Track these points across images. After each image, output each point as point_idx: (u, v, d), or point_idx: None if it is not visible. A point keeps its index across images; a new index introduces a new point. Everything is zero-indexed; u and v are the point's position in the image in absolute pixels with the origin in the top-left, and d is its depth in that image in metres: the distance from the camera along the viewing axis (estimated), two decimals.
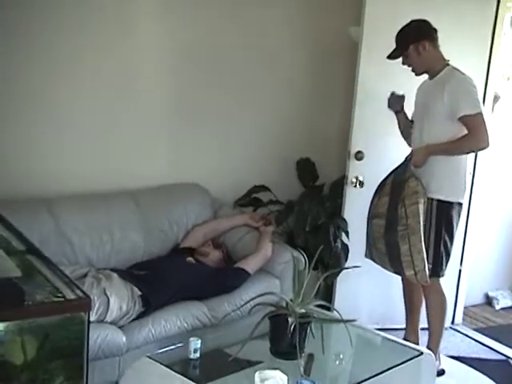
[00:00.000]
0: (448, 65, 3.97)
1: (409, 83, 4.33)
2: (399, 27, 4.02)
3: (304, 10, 4.93)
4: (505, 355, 4.70)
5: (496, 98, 5.25)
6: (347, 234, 4.64)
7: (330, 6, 4.99)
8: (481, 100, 3.90)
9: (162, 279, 3.79)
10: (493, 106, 5.11)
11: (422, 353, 3.31)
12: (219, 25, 4.59)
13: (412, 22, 4.00)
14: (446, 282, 4.35)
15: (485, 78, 4.74)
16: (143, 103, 4.40)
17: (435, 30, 3.98)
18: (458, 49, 4.43)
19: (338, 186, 4.79)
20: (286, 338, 2.98)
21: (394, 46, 4.09)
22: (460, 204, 4.02)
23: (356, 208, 4.62)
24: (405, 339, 4.11)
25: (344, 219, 4.65)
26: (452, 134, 3.87)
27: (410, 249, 3.91)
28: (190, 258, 4.18)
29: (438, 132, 3.94)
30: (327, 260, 4.46)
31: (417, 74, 4.07)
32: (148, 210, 4.29)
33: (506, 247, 5.79)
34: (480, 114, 3.81)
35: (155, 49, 4.38)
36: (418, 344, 4.11)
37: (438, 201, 3.95)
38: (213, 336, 3.68)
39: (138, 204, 4.27)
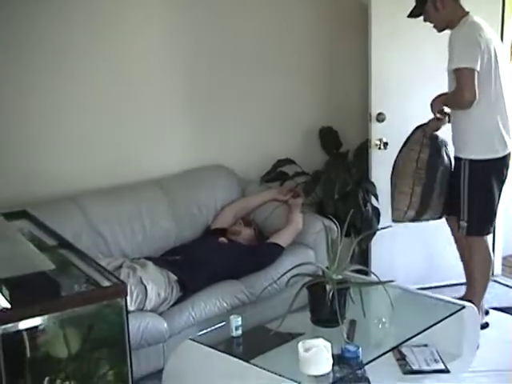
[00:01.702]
0: (464, 17, 3.85)
1: (421, 39, 4.30)
2: None
3: None
4: None
5: None
6: (376, 196, 4.62)
7: None
8: (476, 54, 3.73)
9: (197, 262, 3.81)
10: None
11: (464, 306, 3.29)
12: (232, 9, 4.59)
13: None
14: None
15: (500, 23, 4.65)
16: (160, 90, 4.39)
17: None
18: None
19: (363, 151, 4.76)
20: (325, 305, 2.98)
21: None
22: (498, 159, 3.91)
23: (383, 170, 4.57)
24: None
25: (372, 182, 4.63)
26: None
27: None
28: (222, 239, 4.18)
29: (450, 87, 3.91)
30: (359, 225, 4.45)
31: (438, 31, 3.98)
32: (175, 195, 4.30)
33: None
34: (465, 69, 3.71)
35: (170, 34, 4.37)
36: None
37: (470, 160, 3.90)
38: (253, 312, 3.70)
39: (165, 191, 4.28)
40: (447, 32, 3.92)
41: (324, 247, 3.21)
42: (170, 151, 4.50)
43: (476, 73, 3.71)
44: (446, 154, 4.04)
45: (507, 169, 4.01)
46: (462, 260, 4.27)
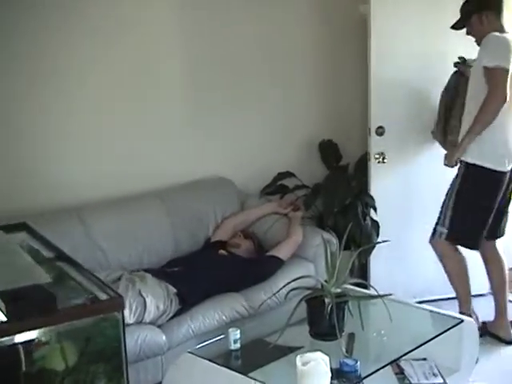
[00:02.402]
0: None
1: (421, 52, 4.32)
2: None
3: None
4: None
5: None
6: (375, 209, 4.62)
7: None
8: (508, 57, 3.75)
9: (196, 274, 3.81)
10: None
11: (462, 320, 3.29)
12: (231, 16, 4.61)
13: None
14: None
15: None
16: (161, 101, 4.40)
17: (501, 1, 3.97)
18: None
19: (363, 164, 4.77)
20: (324, 319, 2.98)
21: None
22: (498, 172, 3.91)
23: (382, 183, 4.61)
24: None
25: (371, 196, 4.63)
26: (478, 92, 3.84)
27: None
28: (222, 251, 4.18)
29: (472, 102, 3.91)
30: (358, 238, 4.45)
31: (478, 44, 3.98)
32: (175, 208, 4.30)
33: None
34: (499, 69, 3.72)
35: (168, 46, 4.38)
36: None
37: (466, 163, 3.92)
38: (252, 326, 3.69)
39: (164, 203, 4.27)
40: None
41: (324, 260, 3.20)
42: (171, 163, 4.50)
43: (507, 72, 3.73)
44: None
45: (506, 186, 4.01)
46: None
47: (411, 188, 4.68)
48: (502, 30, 3.92)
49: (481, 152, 3.88)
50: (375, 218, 4.65)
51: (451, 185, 4.05)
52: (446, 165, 3.99)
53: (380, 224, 4.62)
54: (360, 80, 4.87)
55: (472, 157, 3.90)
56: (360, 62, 4.82)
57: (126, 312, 3.35)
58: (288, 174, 4.79)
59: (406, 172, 4.63)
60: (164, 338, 3.45)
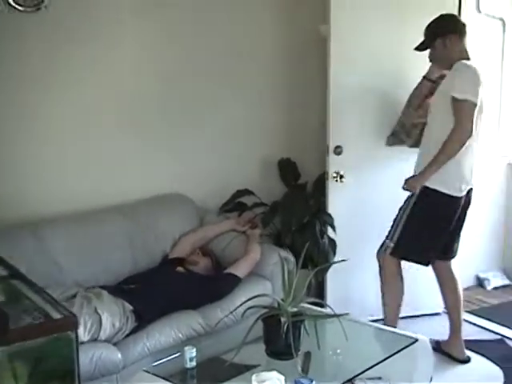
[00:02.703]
0: (464, 59, 3.96)
1: (379, 74, 4.38)
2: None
3: (276, 11, 4.99)
4: (500, 334, 4.72)
5: None
6: (333, 228, 4.65)
7: (300, 6, 5.05)
8: (477, 89, 3.80)
9: (153, 292, 3.78)
10: None
11: (416, 340, 3.32)
12: (193, 29, 4.61)
13: (441, 15, 4.06)
14: None
15: None
16: (119, 117, 4.39)
17: (464, 25, 4.04)
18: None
19: (321, 183, 4.80)
20: (280, 338, 2.97)
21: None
22: (452, 196, 3.98)
23: (340, 202, 4.65)
24: None
25: (329, 214, 4.66)
26: (442, 119, 3.90)
27: None
28: (179, 268, 4.17)
29: (436, 125, 3.99)
30: (316, 257, 4.47)
31: (443, 68, 4.07)
32: (133, 224, 4.28)
33: (493, 228, 5.81)
34: (469, 102, 3.77)
35: (133, 60, 4.39)
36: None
37: (424, 187, 3.97)
38: (208, 344, 3.67)
39: (122, 219, 4.25)
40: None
41: (281, 278, 3.21)
42: (130, 179, 4.48)
43: (474, 105, 3.80)
44: None
45: (461, 210, 4.08)
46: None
47: (368, 207, 4.72)
48: (466, 54, 3.98)
49: (437, 177, 3.93)
50: (332, 236, 4.67)
51: (405, 201, 4.10)
52: (406, 189, 4.03)
53: (337, 243, 4.64)
54: (319, 99, 4.90)
55: (429, 181, 3.96)
56: (319, 82, 4.85)
57: (81, 329, 3.32)
58: (247, 192, 4.80)
59: (363, 191, 4.68)
60: (119, 355, 3.42)
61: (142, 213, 4.37)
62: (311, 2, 5.03)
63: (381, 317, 4.50)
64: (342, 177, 4.62)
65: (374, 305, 4.50)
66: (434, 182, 3.94)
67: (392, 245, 4.10)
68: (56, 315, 1.85)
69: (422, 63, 4.21)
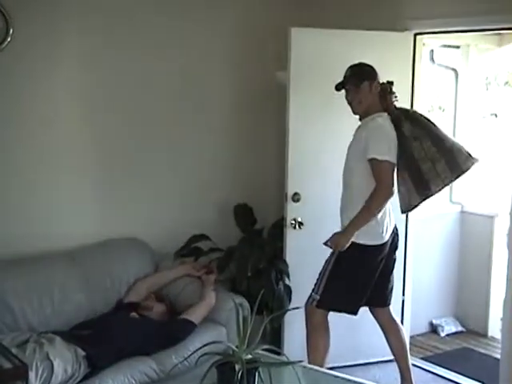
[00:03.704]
0: (380, 112, 4.05)
1: (338, 121, 4.45)
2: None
3: (233, 56, 5.05)
4: (453, 381, 4.76)
5: None
6: (288, 276, 4.66)
7: (257, 52, 5.13)
8: (391, 148, 3.95)
9: (106, 337, 3.75)
10: None
11: None
12: (145, 72, 4.63)
13: (363, 63, 4.13)
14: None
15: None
16: (70, 160, 4.39)
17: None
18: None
19: (277, 229, 4.83)
20: None
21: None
22: (374, 246, 4.06)
23: (297, 249, 4.67)
24: None
25: (285, 261, 4.68)
26: (362, 177, 4.00)
27: None
28: (133, 314, 4.13)
29: (351, 172, 4.09)
30: (271, 303, 4.46)
31: (354, 113, 4.13)
32: (87, 268, 4.25)
33: (447, 274, 5.87)
34: (388, 163, 3.92)
35: (76, 97, 4.38)
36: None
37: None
38: None
39: (76, 263, 4.23)
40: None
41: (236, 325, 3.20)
42: (84, 223, 4.46)
43: (391, 164, 3.93)
44: None
45: (387, 255, 4.15)
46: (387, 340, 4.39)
47: (326, 254, 4.72)
48: (381, 107, 4.07)
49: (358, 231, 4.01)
50: (288, 283, 4.68)
51: (330, 254, 4.15)
52: (328, 246, 4.08)
53: (293, 289, 4.64)
54: (277, 146, 4.96)
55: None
56: (278, 129, 4.91)
57: (32, 376, 3.25)
58: (203, 237, 4.78)
59: (321, 238, 4.67)
60: None
61: (96, 257, 4.35)
62: (268, 48, 5.12)
63: (336, 364, 4.52)
64: (300, 224, 4.64)
65: (332, 352, 4.50)
66: (358, 236, 4.00)
67: (318, 297, 4.12)
68: (6, 364, 1.82)
69: None
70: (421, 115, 4.12)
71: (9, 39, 3.96)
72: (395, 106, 4.10)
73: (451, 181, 4.05)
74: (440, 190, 4.01)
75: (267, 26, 5.08)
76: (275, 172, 5.04)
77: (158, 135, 4.76)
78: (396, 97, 4.10)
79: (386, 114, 4.06)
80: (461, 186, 5.89)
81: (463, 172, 4.01)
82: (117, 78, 4.51)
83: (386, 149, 3.93)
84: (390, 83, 4.11)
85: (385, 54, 4.65)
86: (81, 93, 4.38)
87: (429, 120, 4.11)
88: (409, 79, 4.83)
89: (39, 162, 4.23)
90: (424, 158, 3.95)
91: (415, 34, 4.82)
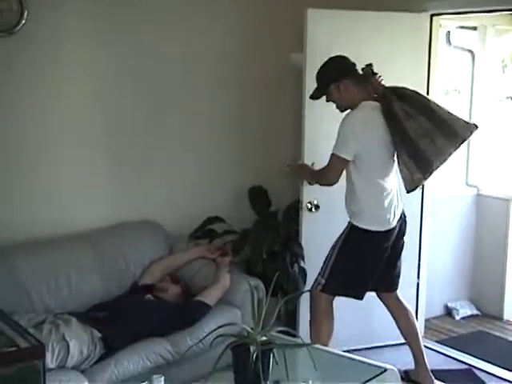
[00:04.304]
0: (363, 101, 4.01)
1: None
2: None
3: (247, 38, 5.01)
4: (468, 364, 4.75)
5: None
6: (303, 259, 4.65)
7: (271, 33, 5.09)
8: (349, 144, 3.95)
9: (122, 319, 3.76)
10: None
11: (385, 369, 3.33)
12: (158, 53, 4.63)
13: (330, 59, 4.09)
14: (405, 296, 4.43)
15: (425, 93, 4.80)
16: (86, 143, 4.40)
17: (354, 65, 4.07)
18: (398, 66, 4.55)
19: (292, 212, 4.82)
20: (249, 367, 2.95)
21: None
22: (377, 232, 4.04)
23: (312, 232, 4.65)
24: None
25: (300, 244, 4.67)
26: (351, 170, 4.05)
27: None
28: (148, 295, 4.15)
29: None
30: (286, 286, 4.47)
31: (341, 111, 4.13)
32: (103, 250, 4.27)
33: (462, 257, 5.86)
34: (334, 156, 3.97)
35: (94, 85, 4.39)
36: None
37: (352, 224, 4.07)
38: (177, 371, 3.68)
39: (92, 246, 4.24)
40: None
41: (250, 307, 3.20)
42: (98, 205, 4.48)
43: (346, 162, 3.97)
44: None
45: (394, 242, 4.13)
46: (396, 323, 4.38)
47: None
48: (362, 96, 4.02)
49: (362, 216, 4.03)
50: (303, 265, 4.68)
51: (337, 239, 4.15)
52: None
53: (308, 271, 4.64)
54: (293, 128, 4.94)
55: (355, 220, 4.05)
56: (293, 111, 4.90)
57: (49, 356, 3.29)
58: (217, 219, 4.79)
59: (337, 221, 4.63)
60: (86, 383, 3.38)
61: (112, 240, 4.36)
62: (282, 30, 5.09)
63: (352, 347, 4.52)
64: (316, 207, 4.63)
65: (346, 334, 4.51)
66: (363, 222, 4.02)
67: (323, 281, 4.12)
68: (23, 344, 1.83)
69: None
70: (411, 91, 4.02)
71: (23, 22, 3.96)
72: (384, 86, 4.03)
73: (452, 152, 3.96)
74: (442, 163, 3.96)
75: (282, 7, 5.05)
76: (290, 154, 5.02)
77: (173, 118, 4.75)
78: (380, 76, 4.04)
79: (368, 101, 4.01)
80: (477, 168, 5.87)
81: (463, 141, 3.95)
82: (129, 58, 4.51)
83: (339, 143, 3.96)
84: (369, 65, 4.05)
85: (401, 36, 4.63)
86: (93, 73, 4.38)
87: (419, 94, 4.05)
88: (425, 61, 4.79)
89: (56, 144, 4.25)
90: (420, 136, 3.88)
91: (432, 15, 4.78)
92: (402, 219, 4.17)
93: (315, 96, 4.15)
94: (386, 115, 3.94)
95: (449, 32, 5.69)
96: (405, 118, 3.90)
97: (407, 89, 4.03)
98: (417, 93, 4.04)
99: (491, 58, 5.84)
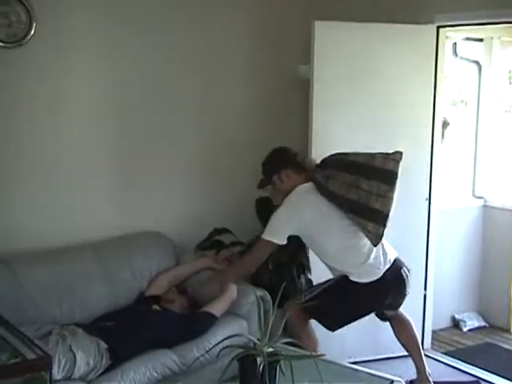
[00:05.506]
0: (299, 185, 4.03)
1: (362, 116, 4.42)
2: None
3: (254, 49, 5.05)
4: (475, 376, 4.73)
5: (445, 124, 5.37)
6: (310, 270, 4.65)
7: (278, 44, 5.12)
8: (282, 228, 3.99)
9: (129, 330, 3.76)
10: (443, 132, 5.21)
11: (392, 381, 3.32)
12: (168, 74, 4.66)
13: (273, 151, 4.22)
14: (412, 308, 4.42)
15: (432, 104, 4.82)
16: (92, 154, 4.41)
17: (295, 155, 4.15)
18: (405, 77, 4.57)
19: None
20: (255, 378, 2.96)
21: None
22: (371, 282, 3.98)
23: None
24: None
25: (307, 255, 4.66)
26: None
27: None
28: (155, 306, 4.14)
29: None
30: (292, 297, 4.45)
31: (276, 203, 4.18)
32: (110, 261, 4.27)
33: (469, 269, 5.84)
34: (263, 241, 4.01)
35: (100, 97, 4.41)
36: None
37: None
38: (184, 382, 3.66)
39: (99, 256, 4.24)
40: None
41: (257, 318, 3.20)
42: (106, 216, 4.49)
43: (274, 246, 4.01)
44: None
45: (380, 291, 4.06)
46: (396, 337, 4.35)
47: None
48: (299, 181, 4.06)
49: (354, 272, 3.98)
50: (309, 276, 4.67)
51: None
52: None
53: (314, 283, 4.62)
54: (299, 139, 4.93)
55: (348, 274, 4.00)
56: (300, 123, 4.92)
57: (55, 368, 3.28)
58: (224, 230, 4.79)
59: None
60: None
61: (119, 250, 4.37)
62: (289, 42, 5.12)
63: (358, 359, 4.51)
64: None
65: (353, 346, 4.50)
66: (354, 276, 3.97)
67: (306, 298, 4.08)
68: (30, 355, 1.83)
69: (409, 106, 4.26)
70: (332, 155, 4.08)
71: (32, 33, 3.99)
72: (316, 165, 4.11)
73: (392, 190, 3.87)
74: (391, 205, 3.88)
75: (289, 19, 5.08)
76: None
77: (183, 128, 4.78)
78: (306, 157, 4.22)
79: (303, 184, 4.04)
80: (483, 179, 5.87)
81: (395, 174, 3.87)
82: (135, 70, 4.54)
83: (273, 227, 4.00)
84: (295, 154, 4.18)
85: (408, 47, 4.64)
86: (99, 84, 4.40)
87: (340, 153, 4.06)
88: (432, 73, 4.80)
89: (61, 153, 4.27)
90: (360, 194, 3.86)
91: (438, 27, 4.79)
92: (399, 266, 4.07)
93: (261, 185, 4.26)
94: (321, 193, 3.97)
95: (455, 43, 5.71)
96: (341, 187, 3.90)
97: (328, 158, 4.11)
98: (338, 154, 4.07)
99: (498, 69, 5.86)
